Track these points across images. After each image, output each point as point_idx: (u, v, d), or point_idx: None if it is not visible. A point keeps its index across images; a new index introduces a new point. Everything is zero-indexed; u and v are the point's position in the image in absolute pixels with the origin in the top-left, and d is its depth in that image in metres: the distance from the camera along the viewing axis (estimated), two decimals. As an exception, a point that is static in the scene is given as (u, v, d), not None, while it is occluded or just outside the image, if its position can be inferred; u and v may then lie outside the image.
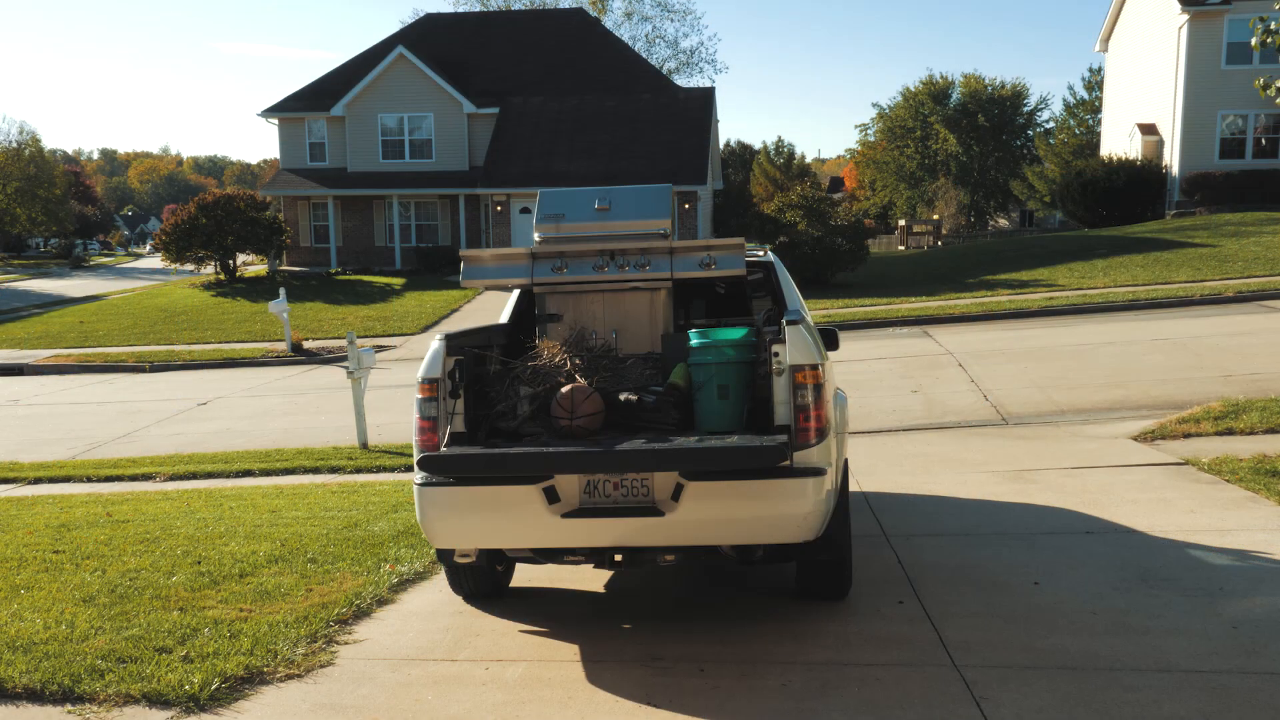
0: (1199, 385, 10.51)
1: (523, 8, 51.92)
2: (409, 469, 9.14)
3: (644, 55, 45.40)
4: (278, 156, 36.28)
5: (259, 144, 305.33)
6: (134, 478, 9.59)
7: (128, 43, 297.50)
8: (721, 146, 50.76)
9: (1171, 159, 31.53)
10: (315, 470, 9.46)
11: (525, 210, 31.96)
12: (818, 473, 4.29)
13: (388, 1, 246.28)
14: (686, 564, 5.64)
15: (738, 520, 4.32)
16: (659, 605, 5.27)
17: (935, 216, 50.61)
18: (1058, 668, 4.10)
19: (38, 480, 9.68)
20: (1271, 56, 27.30)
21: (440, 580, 5.64)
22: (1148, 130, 32.94)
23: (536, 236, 5.62)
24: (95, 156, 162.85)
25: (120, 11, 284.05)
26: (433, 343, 4.71)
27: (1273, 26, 10.53)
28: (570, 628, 4.90)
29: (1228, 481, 6.94)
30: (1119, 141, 36.15)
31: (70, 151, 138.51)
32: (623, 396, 4.77)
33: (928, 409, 10.68)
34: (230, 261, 31.39)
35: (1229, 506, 6.36)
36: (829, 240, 24.04)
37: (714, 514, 4.30)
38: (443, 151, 34.22)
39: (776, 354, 4.40)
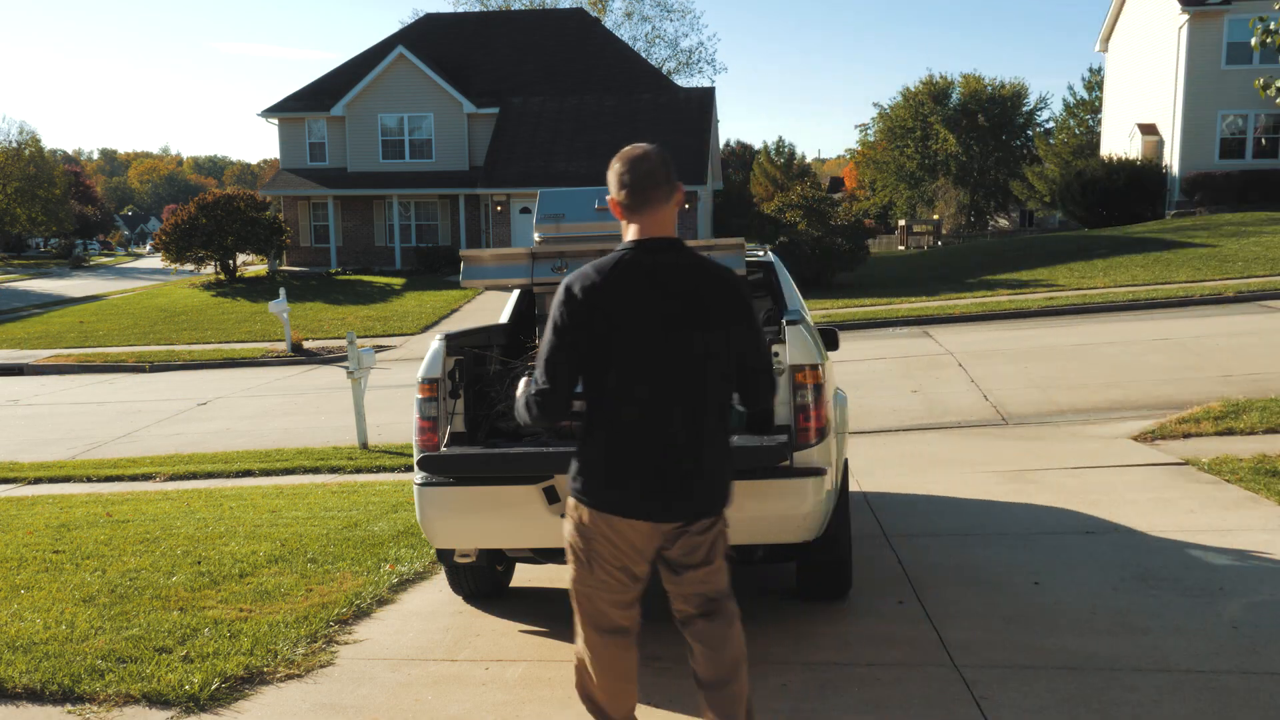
0: (1199, 385, 10.51)
1: (523, 8, 51.91)
2: (409, 469, 9.14)
3: (644, 55, 45.39)
4: (278, 156, 36.29)
5: (259, 144, 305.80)
6: (134, 478, 9.59)
7: (128, 43, 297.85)
8: (721, 146, 50.72)
9: (1171, 159, 31.53)
10: (315, 470, 9.46)
11: (525, 210, 31.95)
12: (818, 473, 4.29)
13: (388, 1, 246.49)
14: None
15: (737, 520, 4.30)
16: (659, 605, 5.26)
17: (935, 216, 50.61)
18: (1058, 668, 4.10)
19: (38, 480, 9.68)
20: (1271, 56, 27.25)
21: (440, 580, 5.63)
22: (1148, 130, 32.94)
23: (536, 236, 5.61)
24: (95, 156, 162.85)
25: (120, 11, 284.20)
26: (433, 343, 4.70)
27: (1273, 26, 10.52)
28: (570, 628, 4.88)
29: (1228, 481, 6.94)
30: (1119, 141, 36.14)
31: (70, 151, 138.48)
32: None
33: (928, 409, 10.68)
34: (230, 261, 31.39)
35: (1229, 506, 6.36)
36: (829, 240, 24.04)
37: (714, 514, 4.29)
38: (443, 151, 34.22)
39: (776, 354, 4.39)
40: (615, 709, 3.23)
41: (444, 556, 4.82)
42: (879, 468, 8.19)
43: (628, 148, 3.09)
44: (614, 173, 3.05)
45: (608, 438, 2.96)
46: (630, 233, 3.01)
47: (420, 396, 4.62)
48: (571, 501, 3.03)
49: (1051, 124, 54.61)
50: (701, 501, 3.07)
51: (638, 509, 2.97)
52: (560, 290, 2.96)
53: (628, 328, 2.90)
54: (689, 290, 2.94)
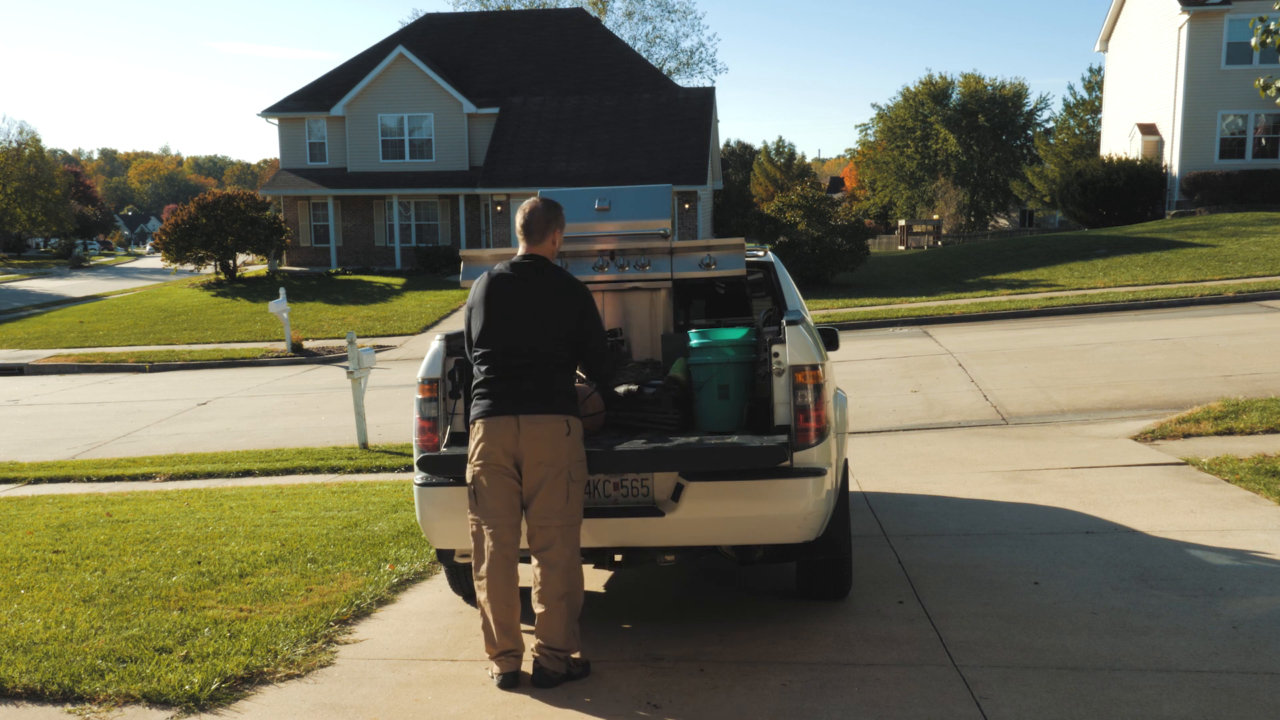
0: (1199, 385, 10.51)
1: (523, 8, 51.91)
2: (409, 469, 9.14)
3: (644, 55, 45.39)
4: (278, 156, 36.28)
5: (259, 144, 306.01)
6: (134, 478, 9.59)
7: (128, 43, 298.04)
8: (721, 146, 50.74)
9: (1171, 159, 31.53)
10: (315, 470, 9.46)
11: (525, 210, 31.90)
12: (818, 473, 4.29)
13: (388, 1, 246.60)
14: (686, 564, 5.65)
15: (737, 520, 4.32)
16: (659, 605, 5.26)
17: (935, 216, 50.59)
18: (1058, 667, 4.10)
19: (38, 480, 9.68)
20: (1271, 56, 27.30)
21: (440, 580, 5.64)
22: (1148, 130, 32.94)
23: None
24: (95, 156, 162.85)
25: (120, 11, 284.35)
26: (433, 343, 4.72)
27: (1273, 26, 10.53)
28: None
29: (1228, 481, 6.94)
30: (1119, 141, 36.14)
31: (70, 151, 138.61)
32: (621, 388, 4.78)
33: (928, 409, 10.68)
34: (230, 261, 31.39)
35: (1229, 506, 6.36)
36: (829, 240, 24.03)
37: (714, 514, 4.29)
38: (443, 151, 34.21)
39: (776, 354, 4.39)
40: (504, 638, 4.19)
41: (444, 556, 4.82)
42: (879, 468, 8.19)
43: (528, 201, 4.44)
44: (518, 217, 4.42)
45: (491, 375, 4.23)
46: (522, 248, 4.41)
47: (420, 396, 4.63)
48: (472, 428, 4.23)
49: (1051, 124, 54.63)
50: (538, 402, 4.16)
51: (500, 410, 4.15)
52: (483, 275, 4.42)
53: (511, 303, 4.28)
54: (550, 285, 4.31)
